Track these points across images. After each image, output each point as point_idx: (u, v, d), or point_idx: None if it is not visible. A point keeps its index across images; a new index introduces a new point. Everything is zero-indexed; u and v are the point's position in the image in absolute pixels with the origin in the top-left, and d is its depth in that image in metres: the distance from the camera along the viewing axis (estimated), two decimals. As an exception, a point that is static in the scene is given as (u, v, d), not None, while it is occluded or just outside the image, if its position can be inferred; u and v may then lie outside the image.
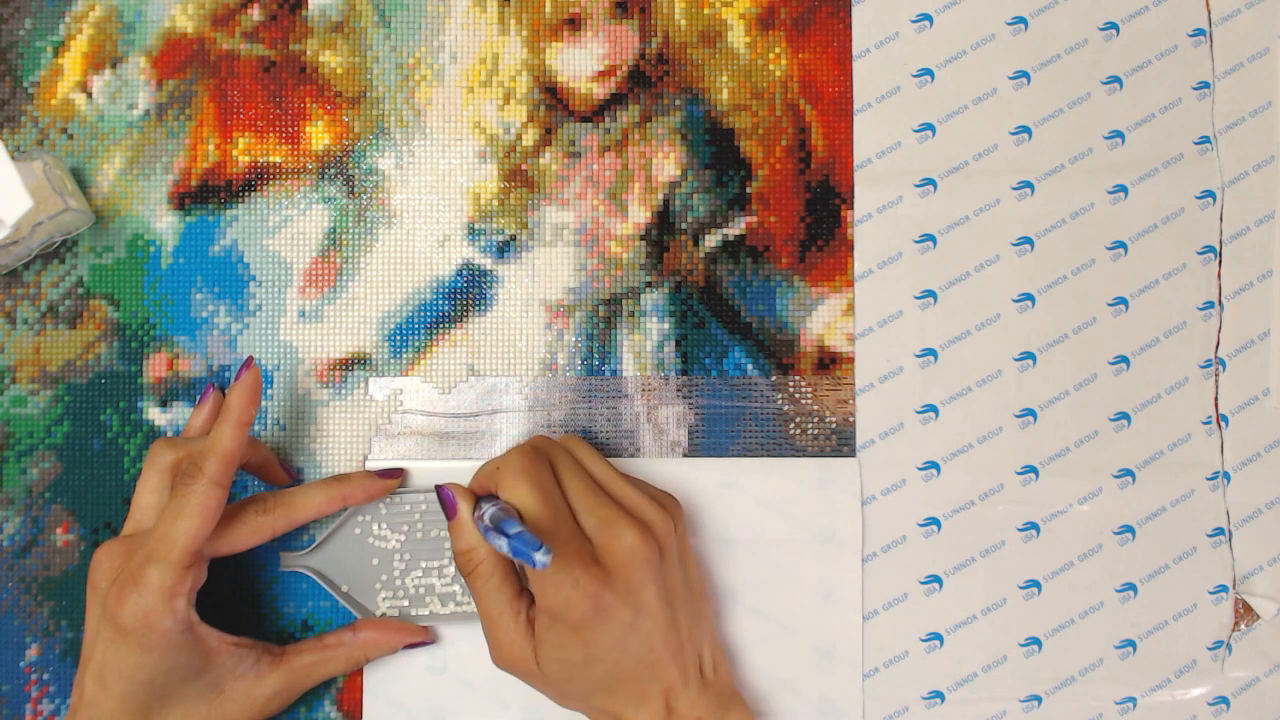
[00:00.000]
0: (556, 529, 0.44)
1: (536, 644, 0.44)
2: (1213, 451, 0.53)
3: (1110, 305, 0.53)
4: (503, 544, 0.41)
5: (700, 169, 0.53)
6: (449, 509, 0.46)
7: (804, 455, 0.52)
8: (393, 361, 0.52)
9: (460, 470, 0.51)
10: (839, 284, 0.53)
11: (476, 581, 0.45)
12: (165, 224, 0.52)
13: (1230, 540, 0.52)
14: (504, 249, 0.52)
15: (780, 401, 0.52)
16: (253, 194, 0.52)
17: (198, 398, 0.51)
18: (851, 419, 0.52)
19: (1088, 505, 0.52)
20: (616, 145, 0.53)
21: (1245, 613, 0.52)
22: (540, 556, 0.40)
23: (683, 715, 0.45)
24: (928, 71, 0.53)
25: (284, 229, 0.52)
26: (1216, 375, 0.53)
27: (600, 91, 0.53)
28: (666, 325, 0.52)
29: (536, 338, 0.52)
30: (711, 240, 0.52)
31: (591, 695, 0.45)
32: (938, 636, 0.52)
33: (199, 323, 0.52)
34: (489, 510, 0.43)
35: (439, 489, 0.46)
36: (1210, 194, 0.53)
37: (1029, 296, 0.53)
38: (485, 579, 0.45)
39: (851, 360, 0.52)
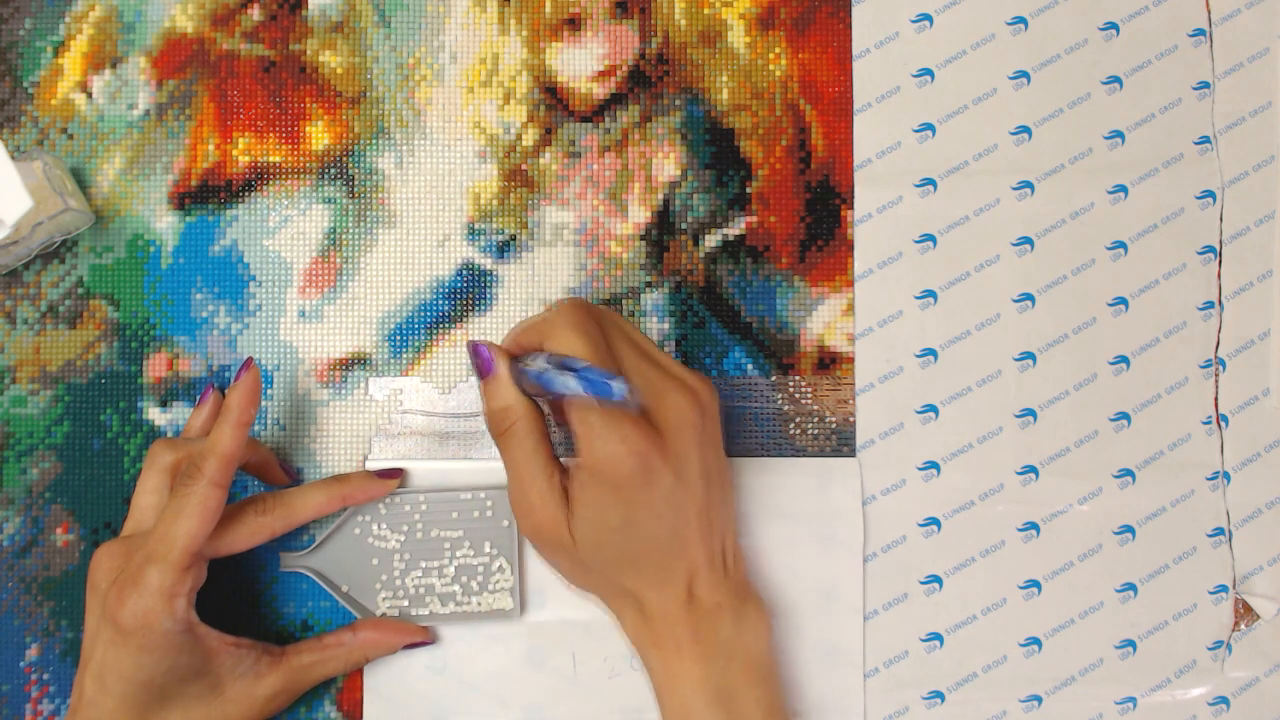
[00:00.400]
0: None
1: (572, 506, 0.43)
2: (1213, 451, 0.53)
3: (1110, 305, 0.53)
4: (570, 381, 0.39)
5: (700, 169, 0.53)
6: (484, 365, 0.44)
7: (804, 455, 0.52)
8: (393, 361, 0.52)
9: (460, 470, 0.51)
10: (839, 284, 0.53)
11: (511, 441, 0.44)
12: (165, 224, 0.52)
13: (1230, 540, 0.52)
14: (504, 249, 0.52)
15: (780, 401, 0.52)
16: (253, 194, 0.52)
17: (198, 398, 0.51)
18: (851, 419, 0.52)
19: (1088, 505, 0.52)
20: (616, 145, 0.53)
21: (1245, 613, 0.52)
22: (618, 385, 0.38)
23: (703, 600, 0.44)
24: (928, 71, 0.53)
25: (284, 229, 0.52)
26: (1216, 375, 0.53)
27: (600, 91, 0.53)
28: (666, 325, 0.52)
29: (536, 338, 0.52)
30: (711, 240, 0.52)
31: (616, 567, 0.44)
32: (938, 636, 0.52)
33: (199, 323, 0.52)
34: (541, 357, 0.42)
35: (472, 345, 0.44)
36: (1210, 194, 0.53)
37: (1029, 296, 0.53)
38: (521, 438, 0.44)
39: (851, 360, 0.52)
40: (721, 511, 0.45)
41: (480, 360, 0.44)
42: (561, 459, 0.45)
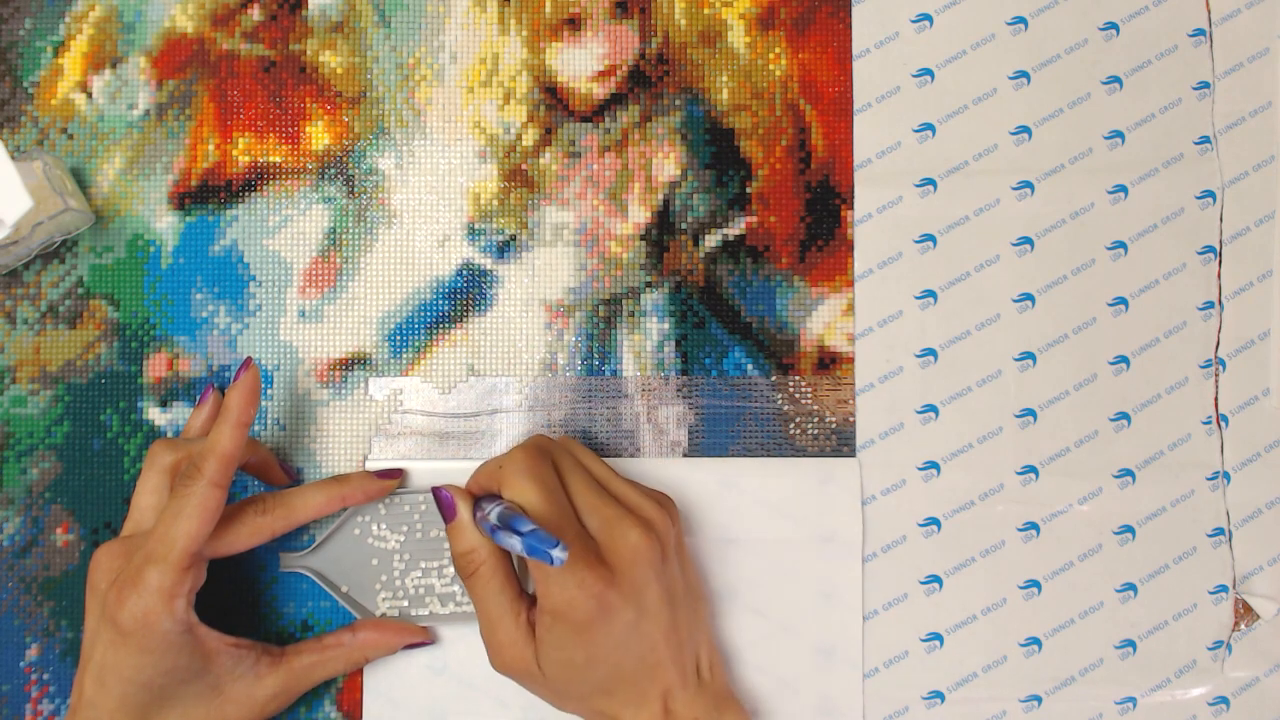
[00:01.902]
0: (562, 528, 0.43)
1: (538, 645, 0.44)
2: (1213, 451, 0.53)
3: (1110, 305, 0.53)
4: (515, 543, 0.41)
5: (700, 169, 0.53)
6: (447, 511, 0.46)
7: (804, 455, 0.52)
8: (393, 361, 0.52)
9: (460, 470, 0.51)
10: (839, 284, 0.52)
11: (477, 584, 0.45)
12: (165, 224, 0.52)
13: (1230, 540, 0.52)
14: (504, 249, 0.52)
15: (780, 401, 0.52)
16: (253, 194, 0.52)
17: (197, 398, 0.51)
18: (851, 419, 0.52)
19: (1088, 505, 0.52)
20: (616, 145, 0.53)
21: (1245, 613, 0.52)
22: (558, 553, 0.40)
23: (680, 716, 0.45)
24: (928, 71, 0.53)
25: (284, 229, 0.52)
26: (1216, 375, 0.53)
27: (600, 91, 0.53)
28: (666, 325, 0.52)
29: (536, 338, 0.52)
30: (711, 240, 0.52)
31: (591, 697, 0.45)
32: (938, 636, 0.52)
33: (199, 323, 0.52)
34: (495, 509, 0.43)
35: (435, 491, 0.46)
36: (1210, 194, 0.53)
37: (1029, 296, 0.53)
38: (486, 581, 0.45)
39: (851, 360, 0.52)
40: (691, 627, 0.46)
41: (443, 505, 0.46)
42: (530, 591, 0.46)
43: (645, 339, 0.52)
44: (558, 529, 0.43)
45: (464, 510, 0.45)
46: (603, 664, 0.44)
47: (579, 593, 0.42)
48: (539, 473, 0.45)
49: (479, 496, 0.46)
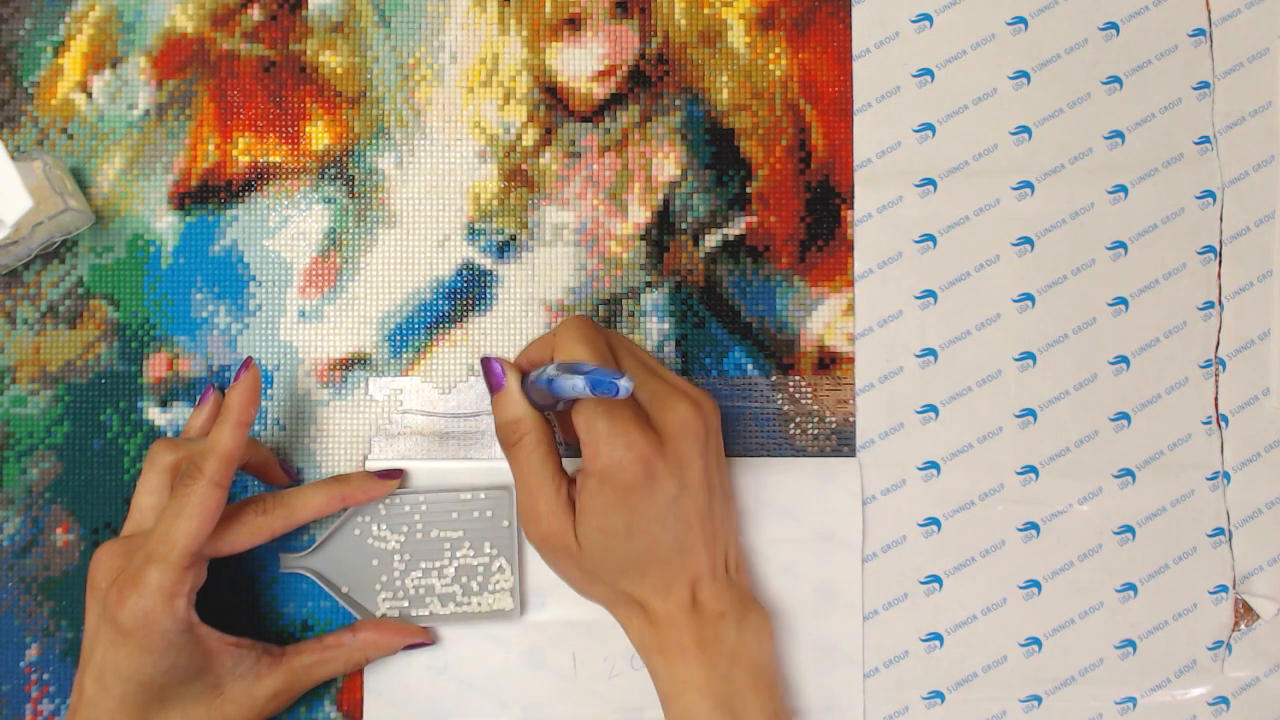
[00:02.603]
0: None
1: (578, 513, 0.44)
2: (1213, 451, 0.53)
3: (1110, 305, 0.53)
4: (578, 382, 0.39)
5: (700, 169, 0.53)
6: (495, 380, 0.45)
7: (804, 455, 0.52)
8: (393, 361, 0.52)
9: (460, 470, 0.51)
10: (839, 284, 0.53)
11: (520, 453, 0.44)
12: (165, 224, 0.52)
13: (1230, 540, 0.52)
14: (504, 249, 0.52)
15: (780, 401, 0.52)
16: (253, 194, 0.52)
17: (198, 398, 0.51)
18: (851, 419, 0.52)
19: (1088, 505, 0.52)
20: (616, 145, 0.53)
21: (1245, 613, 0.52)
22: (624, 383, 0.39)
23: (707, 607, 0.44)
24: (928, 71, 0.53)
25: (284, 229, 0.52)
26: (1216, 375, 0.53)
27: (600, 91, 0.53)
28: (666, 325, 0.52)
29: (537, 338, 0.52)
30: (711, 240, 0.52)
31: (621, 575, 0.44)
32: (938, 636, 0.52)
33: (199, 323, 0.52)
34: (550, 366, 0.42)
35: (485, 360, 0.45)
36: (1210, 194, 0.53)
37: (1029, 296, 0.53)
38: (531, 449, 0.44)
39: (851, 360, 0.52)
40: (724, 519, 0.46)
41: (491, 375, 0.45)
42: (569, 471, 0.45)
43: (645, 339, 0.52)
44: None
45: (512, 379, 0.45)
46: (641, 536, 0.43)
47: (628, 454, 0.42)
48: (592, 338, 0.44)
49: (526, 371, 0.45)
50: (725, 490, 0.47)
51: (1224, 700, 0.52)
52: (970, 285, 0.53)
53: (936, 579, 0.52)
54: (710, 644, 0.44)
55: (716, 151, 0.53)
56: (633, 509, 0.43)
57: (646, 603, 0.45)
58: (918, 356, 0.52)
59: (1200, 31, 0.53)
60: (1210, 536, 0.52)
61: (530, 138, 0.53)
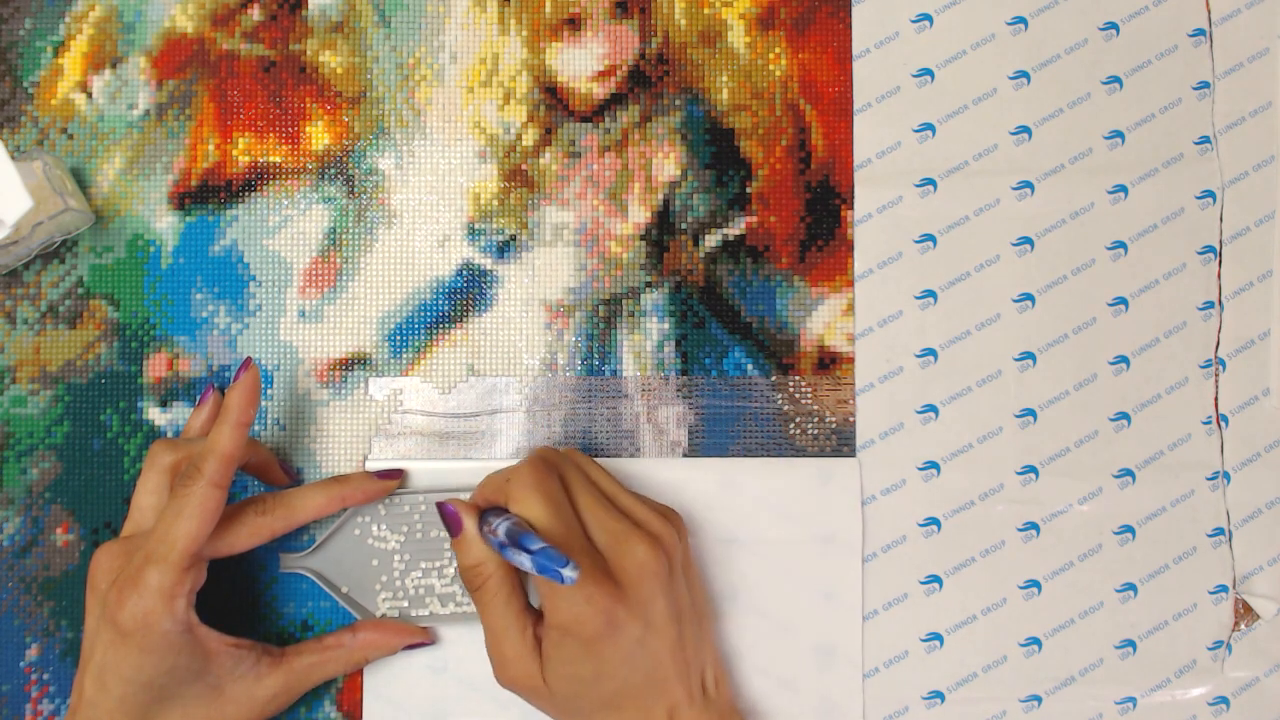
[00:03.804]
0: (569, 543, 0.43)
1: (544, 660, 0.44)
2: (1213, 451, 0.53)
3: (1110, 305, 0.53)
4: (525, 561, 0.41)
5: (700, 169, 0.53)
6: (453, 525, 0.45)
7: (804, 455, 0.52)
8: (393, 361, 0.52)
9: (460, 470, 0.51)
10: (839, 284, 0.53)
11: (484, 596, 0.45)
12: (165, 224, 0.52)
13: (1230, 540, 0.52)
14: (504, 249, 0.52)
15: (780, 401, 0.52)
16: (253, 194, 0.52)
17: (198, 398, 0.51)
18: (851, 419, 0.52)
19: (1088, 505, 0.52)
20: (616, 145, 0.53)
21: (1245, 613, 0.52)
22: (569, 573, 0.40)
23: None
24: (928, 71, 0.53)
25: (284, 229, 0.52)
26: (1216, 375, 0.53)
27: (600, 91, 0.53)
28: (666, 325, 0.52)
29: (536, 338, 0.52)
30: (711, 240, 0.52)
31: (596, 713, 0.44)
32: (938, 636, 0.52)
33: (199, 323, 0.52)
34: (503, 525, 0.43)
35: (440, 506, 0.46)
36: (1210, 194, 0.53)
37: (1029, 296, 0.53)
38: (493, 594, 0.44)
39: (851, 360, 0.52)
40: (697, 644, 0.46)
41: (448, 518, 0.45)
42: (536, 605, 0.46)
43: (645, 339, 0.52)
44: (565, 545, 0.43)
45: (470, 524, 0.45)
46: (610, 679, 0.43)
47: (587, 608, 0.42)
48: (546, 488, 0.44)
49: (485, 510, 0.46)
50: (699, 609, 0.47)
51: (1224, 700, 0.52)
52: (970, 285, 0.53)
53: (936, 579, 0.52)
54: None
55: (716, 151, 0.53)
56: (599, 656, 0.43)
57: None
58: (918, 356, 0.52)
59: (1200, 31, 0.53)
60: (1210, 536, 0.52)
61: (530, 138, 0.53)
